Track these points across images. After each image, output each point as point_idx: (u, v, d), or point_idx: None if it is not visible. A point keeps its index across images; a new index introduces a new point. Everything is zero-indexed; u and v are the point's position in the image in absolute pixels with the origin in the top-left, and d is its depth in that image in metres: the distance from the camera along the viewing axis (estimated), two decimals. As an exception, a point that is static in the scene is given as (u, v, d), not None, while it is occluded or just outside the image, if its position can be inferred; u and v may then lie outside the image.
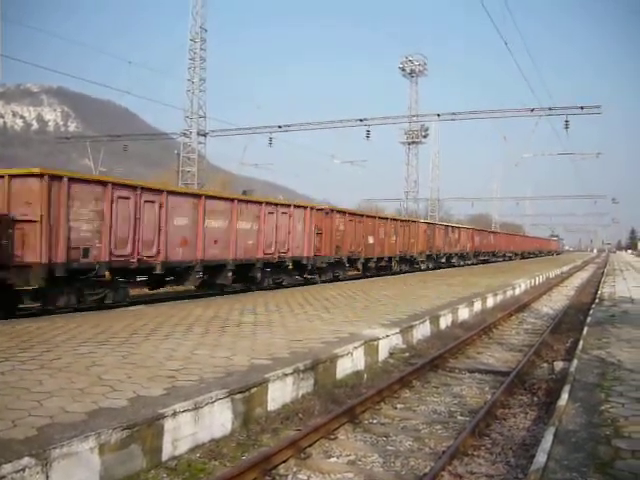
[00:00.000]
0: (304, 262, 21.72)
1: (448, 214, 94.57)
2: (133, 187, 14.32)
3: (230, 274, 17.62)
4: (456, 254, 42.82)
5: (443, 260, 39.88)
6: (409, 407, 8.11)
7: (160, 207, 14.94)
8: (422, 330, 12.70)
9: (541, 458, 5.17)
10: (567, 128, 33.90)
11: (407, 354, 11.09)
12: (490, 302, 19.33)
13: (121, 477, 5.15)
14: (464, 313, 16.07)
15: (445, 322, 14.39)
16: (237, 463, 5.68)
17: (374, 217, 29.72)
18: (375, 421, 7.44)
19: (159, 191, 15.21)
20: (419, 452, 6.40)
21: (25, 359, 7.71)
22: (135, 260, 14.24)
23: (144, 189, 14.60)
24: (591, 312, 16.10)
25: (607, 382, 7.97)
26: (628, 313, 15.75)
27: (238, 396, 6.67)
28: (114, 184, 13.81)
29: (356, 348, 9.61)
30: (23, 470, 4.38)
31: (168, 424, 5.70)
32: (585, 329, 12.74)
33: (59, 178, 12.46)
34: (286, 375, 7.60)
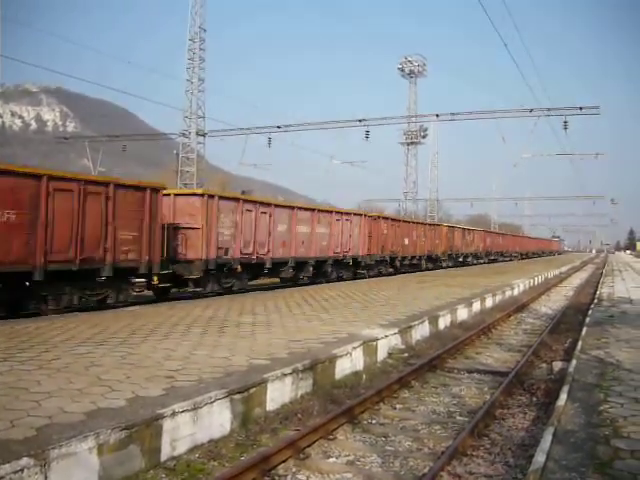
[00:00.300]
0: (359, 260, 26.80)
1: (447, 214, 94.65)
2: (253, 202, 19.47)
3: (311, 269, 22.72)
4: (471, 254, 48.02)
5: (461, 259, 44.91)
6: (408, 407, 8.11)
7: (270, 217, 19.95)
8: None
9: (540, 458, 5.17)
10: (566, 129, 33.91)
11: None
12: (489, 302, 19.34)
13: (120, 477, 5.14)
14: (463, 313, 16.08)
15: (444, 322, 14.40)
16: (236, 463, 5.67)
17: (409, 222, 35.50)
18: (374, 421, 7.44)
19: (269, 204, 20.43)
20: (418, 452, 6.40)
21: (24, 359, 7.71)
22: (255, 257, 19.32)
23: (261, 203, 19.84)
24: (590, 312, 16.10)
25: (606, 382, 7.98)
26: (627, 313, 15.76)
27: (237, 396, 6.67)
28: (244, 200, 18.99)
29: (355, 348, 9.61)
30: (22, 471, 4.37)
31: (167, 424, 5.70)
32: (584, 329, 12.74)
33: (212, 196, 17.35)
34: (285, 375, 7.60)
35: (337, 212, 25.55)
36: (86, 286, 13.75)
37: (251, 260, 19.05)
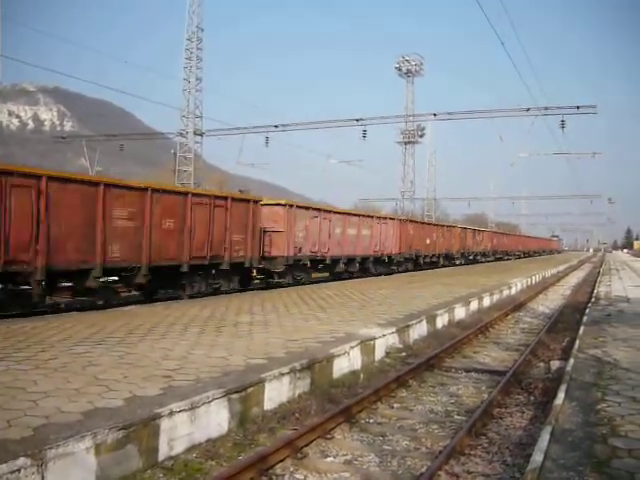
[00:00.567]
0: (393, 257, 31.09)
1: (444, 214, 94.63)
2: (318, 210, 24.11)
3: (358, 265, 27.11)
4: (480, 252, 52.08)
5: (471, 257, 48.82)
6: (406, 406, 8.10)
7: (329, 222, 24.29)
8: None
9: (538, 457, 5.17)
10: (563, 128, 33.96)
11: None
12: (487, 301, 19.35)
13: (117, 477, 5.13)
14: (460, 312, 16.09)
15: (441, 321, 14.42)
16: (234, 463, 5.67)
17: (430, 224, 40.78)
18: (372, 421, 7.44)
19: (329, 212, 25.19)
20: (416, 452, 6.40)
21: (20, 359, 7.69)
22: (319, 255, 23.49)
23: (324, 211, 24.61)
24: (587, 311, 16.12)
25: (603, 381, 7.99)
26: (624, 312, 15.78)
27: (235, 396, 6.66)
28: (312, 208, 23.88)
29: (352, 348, 9.61)
30: (19, 471, 4.36)
31: (164, 424, 5.69)
32: (581, 328, 12.76)
33: (291, 206, 21.80)
34: (282, 375, 7.59)
35: (377, 217, 30.64)
36: (210, 277, 17.53)
37: (316, 257, 23.40)
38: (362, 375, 9.39)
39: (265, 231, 20.05)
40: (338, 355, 9.10)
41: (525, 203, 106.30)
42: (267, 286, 20.84)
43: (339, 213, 26.44)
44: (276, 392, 7.43)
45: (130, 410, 5.65)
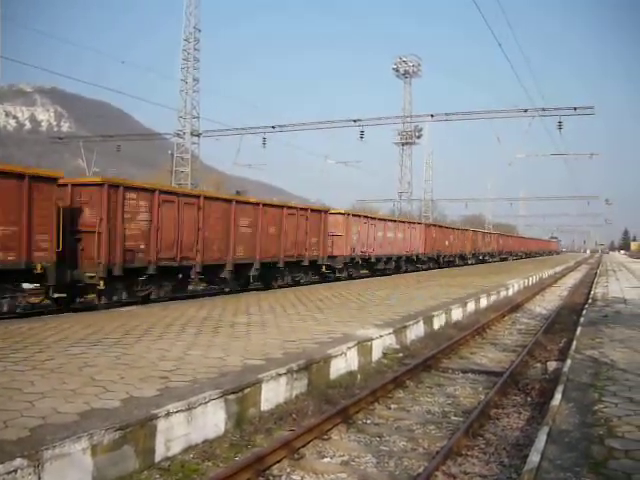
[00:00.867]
0: (420, 257, 36.16)
1: (442, 215, 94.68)
2: (366, 217, 29.32)
3: (394, 263, 31.95)
4: (488, 253, 57.05)
5: (481, 257, 53.63)
6: (403, 407, 8.11)
7: (374, 226, 29.21)
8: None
9: (535, 458, 5.18)
10: (560, 129, 34.02)
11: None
12: (484, 302, 19.37)
13: (113, 478, 5.13)
14: (458, 313, 16.10)
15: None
16: (230, 464, 5.66)
17: (448, 228, 45.79)
18: (369, 421, 7.43)
19: (374, 218, 30.57)
20: (413, 452, 6.40)
21: (17, 360, 7.68)
22: (367, 254, 28.37)
23: (370, 217, 29.76)
24: (584, 312, 16.14)
25: (600, 382, 7.99)
26: (621, 313, 15.80)
27: (231, 397, 6.65)
28: (362, 216, 29.13)
29: (349, 348, 9.61)
30: (15, 471, 4.35)
31: (161, 425, 5.68)
32: (578, 329, 12.77)
33: (348, 214, 27.37)
34: (280, 375, 7.59)
35: (408, 222, 36.23)
36: (294, 271, 22.14)
37: (365, 256, 28.15)
38: (359, 376, 9.39)
39: (329, 235, 24.46)
40: (335, 356, 9.10)
41: (523, 204, 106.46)
42: (332, 280, 25.61)
43: (381, 220, 31.88)
44: (273, 393, 7.43)
45: (127, 411, 5.64)
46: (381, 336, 10.94)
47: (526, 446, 6.29)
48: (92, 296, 14.27)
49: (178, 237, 15.88)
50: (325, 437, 6.65)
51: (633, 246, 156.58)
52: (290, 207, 21.93)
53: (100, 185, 13.80)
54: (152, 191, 15.21)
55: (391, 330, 11.44)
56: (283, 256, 20.67)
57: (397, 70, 65.52)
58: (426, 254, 36.98)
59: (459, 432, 6.67)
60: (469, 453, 6.32)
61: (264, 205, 19.92)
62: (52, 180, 12.80)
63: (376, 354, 10.63)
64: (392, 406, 8.14)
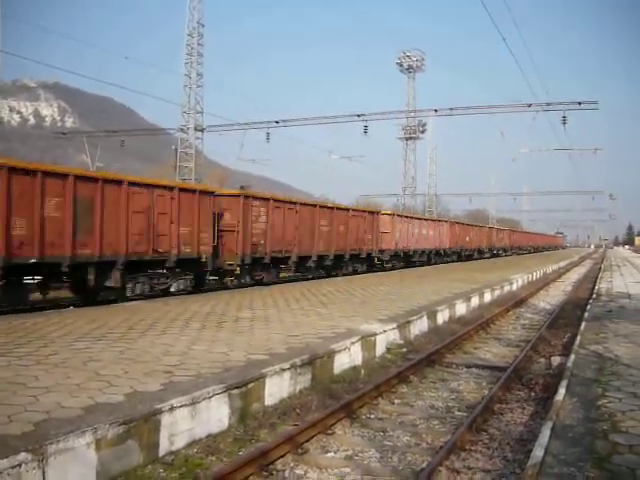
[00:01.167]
0: (446, 250, 40.96)
1: (445, 209, 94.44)
2: (407, 216, 34.47)
3: (426, 256, 36.58)
4: (501, 247, 62.11)
5: (495, 252, 58.69)
6: (406, 402, 8.11)
7: (412, 225, 33.85)
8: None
9: (538, 453, 5.17)
10: (565, 124, 33.84)
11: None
12: (488, 297, 19.35)
13: (118, 472, 5.14)
14: (461, 308, 16.10)
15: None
16: (234, 458, 5.67)
17: (468, 225, 49.84)
18: (372, 416, 7.44)
19: (412, 218, 35.25)
20: (416, 447, 6.40)
21: (21, 354, 7.69)
22: (409, 249, 33.31)
23: (411, 217, 35.31)
24: (588, 307, 16.11)
25: (604, 377, 7.98)
26: (625, 308, 15.77)
27: (235, 391, 6.66)
28: (405, 216, 34.55)
29: (353, 343, 9.60)
30: (19, 466, 4.36)
31: (165, 419, 5.70)
32: (582, 324, 12.74)
33: (394, 215, 32.00)
34: (283, 370, 7.60)
35: (437, 220, 42.61)
36: (354, 262, 26.83)
37: (405, 250, 32.95)
38: (363, 371, 9.39)
39: (379, 232, 29.27)
40: (339, 350, 9.10)
41: (526, 199, 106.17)
42: (377, 270, 30.14)
43: (417, 219, 37.00)
44: (277, 388, 7.44)
45: (131, 405, 5.65)
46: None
47: (530, 441, 6.28)
48: (229, 279, 18.75)
49: (283, 235, 20.68)
50: (329, 432, 6.65)
51: (637, 241, 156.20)
52: (354, 210, 27.79)
53: (237, 196, 18.81)
54: (268, 200, 20.20)
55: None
56: (349, 249, 25.76)
57: (401, 65, 65.26)
58: (451, 248, 41.87)
59: (463, 427, 6.66)
60: (473, 448, 6.32)
61: (337, 209, 25.36)
62: (211, 193, 17.54)
63: (380, 349, 10.63)
64: (396, 401, 8.14)
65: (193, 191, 16.71)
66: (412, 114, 54.58)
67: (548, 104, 34.49)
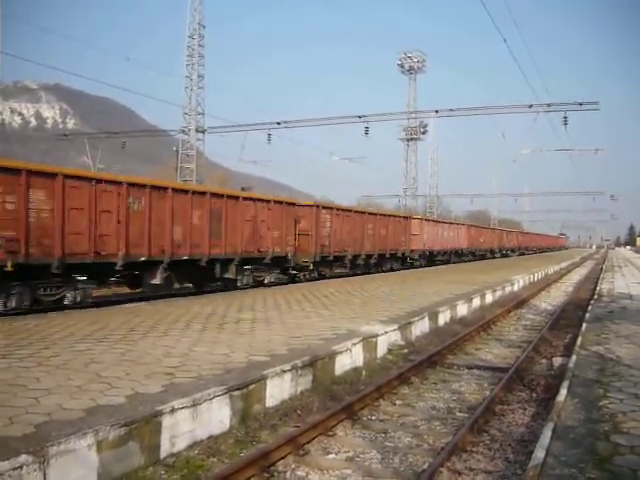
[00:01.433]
0: (464, 250, 45.44)
1: (447, 210, 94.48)
2: (434, 221, 40.75)
3: (447, 256, 40.54)
4: (509, 249, 66.59)
5: (504, 252, 62.57)
6: (408, 403, 8.10)
7: (436, 228, 37.92)
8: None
9: (540, 454, 5.17)
10: (566, 124, 33.81)
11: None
12: (489, 298, 19.34)
13: (119, 474, 5.14)
14: (463, 309, 16.10)
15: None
16: (235, 460, 5.67)
17: (481, 227, 55.48)
18: (374, 417, 7.43)
19: (436, 221, 41.22)
20: (418, 448, 6.39)
21: (23, 356, 7.70)
22: (433, 249, 37.25)
23: (435, 222, 40.20)
24: (590, 308, 16.10)
25: (606, 378, 7.97)
26: (627, 309, 15.76)
27: (236, 393, 6.66)
28: (432, 220, 40.78)
29: (354, 344, 9.60)
30: (21, 468, 4.36)
31: (166, 421, 5.69)
32: (584, 325, 12.74)
33: (422, 219, 36.93)
34: (284, 372, 7.59)
35: (457, 223, 46.90)
36: (391, 261, 31.14)
37: (431, 250, 36.90)
38: (364, 372, 9.38)
39: (410, 234, 33.34)
40: (340, 352, 9.09)
41: (527, 200, 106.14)
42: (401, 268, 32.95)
43: (440, 222, 42.02)
44: (278, 389, 7.43)
45: (132, 407, 5.65)
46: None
47: (531, 442, 6.27)
48: (302, 273, 22.45)
49: (341, 237, 25.01)
50: (330, 433, 6.65)
51: (639, 241, 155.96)
52: (393, 216, 32.77)
53: (311, 206, 23.38)
54: (332, 209, 25.06)
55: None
56: (389, 250, 30.38)
57: (402, 66, 65.32)
58: (468, 249, 46.58)
59: (464, 428, 6.66)
60: (474, 449, 6.31)
61: (380, 215, 30.33)
62: (292, 204, 21.47)
63: (381, 350, 10.63)
64: (397, 402, 8.13)
65: (281, 203, 20.55)
66: (413, 115, 54.58)
67: (549, 105, 34.48)
